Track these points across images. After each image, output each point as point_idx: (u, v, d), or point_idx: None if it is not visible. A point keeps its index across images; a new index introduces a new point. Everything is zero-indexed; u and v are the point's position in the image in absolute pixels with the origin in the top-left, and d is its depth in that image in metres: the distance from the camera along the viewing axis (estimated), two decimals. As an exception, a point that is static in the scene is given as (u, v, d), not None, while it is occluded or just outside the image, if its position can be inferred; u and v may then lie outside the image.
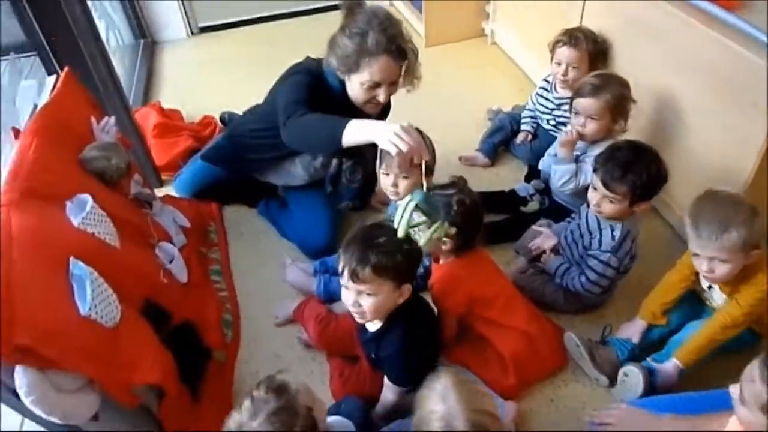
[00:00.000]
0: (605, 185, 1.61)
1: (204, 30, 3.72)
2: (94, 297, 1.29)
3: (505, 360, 1.59)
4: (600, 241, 1.68)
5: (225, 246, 2.19)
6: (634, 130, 2.01)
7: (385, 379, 1.51)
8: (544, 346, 1.64)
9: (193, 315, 1.73)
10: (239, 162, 2.16)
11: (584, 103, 1.91)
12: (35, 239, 1.30)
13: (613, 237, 1.66)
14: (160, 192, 2.26)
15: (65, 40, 1.96)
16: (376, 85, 1.75)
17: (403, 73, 1.79)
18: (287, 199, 2.23)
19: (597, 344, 1.68)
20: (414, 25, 3.48)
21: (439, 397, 1.05)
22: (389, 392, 1.52)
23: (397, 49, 1.71)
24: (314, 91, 1.78)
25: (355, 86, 1.77)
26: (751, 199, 1.66)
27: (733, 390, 1.08)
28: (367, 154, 1.88)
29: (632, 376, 1.54)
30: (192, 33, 3.69)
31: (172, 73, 3.33)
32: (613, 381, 1.63)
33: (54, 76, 1.87)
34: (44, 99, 1.77)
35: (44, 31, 1.93)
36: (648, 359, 1.60)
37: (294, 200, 2.18)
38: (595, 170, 1.65)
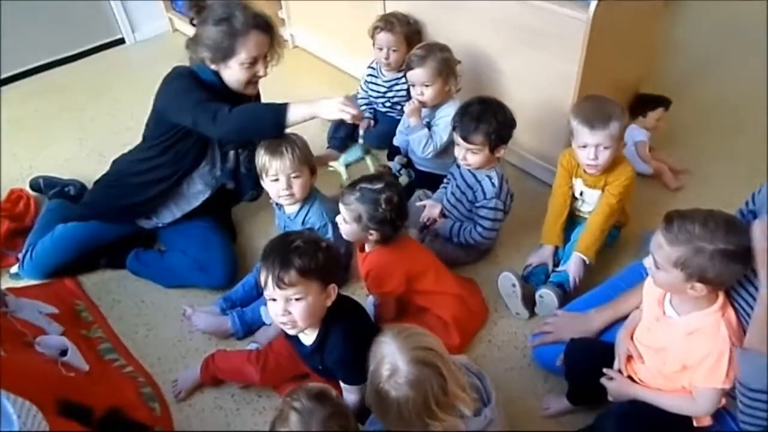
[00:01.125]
0: (464, 139, 1.80)
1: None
2: (19, 414, 1.07)
3: (447, 323, 1.69)
4: (483, 192, 1.87)
5: (103, 320, 1.93)
6: (467, 89, 2.24)
7: (341, 383, 1.50)
8: (473, 302, 1.79)
9: (112, 401, 1.52)
10: (122, 211, 1.96)
11: (415, 73, 2.08)
12: None
13: (492, 184, 1.86)
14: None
15: None
16: (254, 62, 1.78)
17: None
18: (167, 242, 2.06)
19: (522, 281, 1.84)
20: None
21: (385, 346, 1.14)
22: (350, 394, 1.50)
23: (263, 23, 1.78)
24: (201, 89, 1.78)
25: (235, 70, 1.78)
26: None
27: (646, 262, 1.30)
28: (258, 141, 1.86)
29: (546, 296, 1.77)
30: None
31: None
32: (531, 312, 1.84)
33: None
34: None
35: None
36: (549, 282, 1.83)
37: (178, 239, 2.02)
38: (453, 128, 1.83)
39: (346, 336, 1.44)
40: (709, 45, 3.09)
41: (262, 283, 1.35)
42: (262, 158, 1.75)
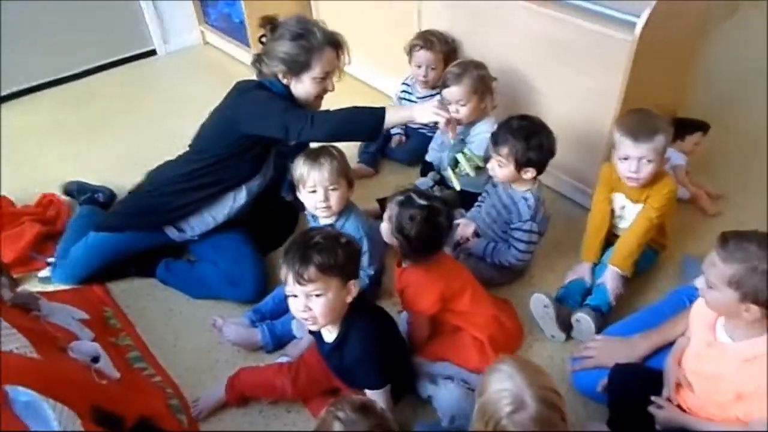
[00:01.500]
0: (493, 146, 1.79)
1: (3, 99, 3.18)
2: (59, 420, 1.05)
3: (483, 344, 1.64)
4: (519, 213, 1.84)
5: (132, 328, 1.90)
6: (503, 107, 2.23)
7: (368, 393, 1.46)
8: (510, 323, 1.74)
9: (141, 410, 1.48)
10: (157, 216, 1.95)
11: (450, 91, 2.07)
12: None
13: (528, 206, 1.82)
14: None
15: None
16: (325, 77, 1.85)
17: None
18: (198, 253, 2.04)
19: (557, 303, 1.80)
20: (241, 58, 3.41)
21: (507, 377, 1.06)
22: (377, 401, 1.44)
23: (336, 40, 1.86)
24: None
25: (307, 84, 1.84)
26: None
27: (698, 282, 1.27)
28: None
29: (582, 320, 1.72)
30: (-18, 107, 3.13)
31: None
32: (568, 335, 1.79)
33: None
34: None
35: None
36: (584, 306, 1.78)
37: (209, 250, 2.00)
38: (494, 143, 1.80)
39: (368, 335, 1.43)
40: (747, 71, 3.07)
41: (283, 279, 1.36)
42: (300, 169, 1.73)
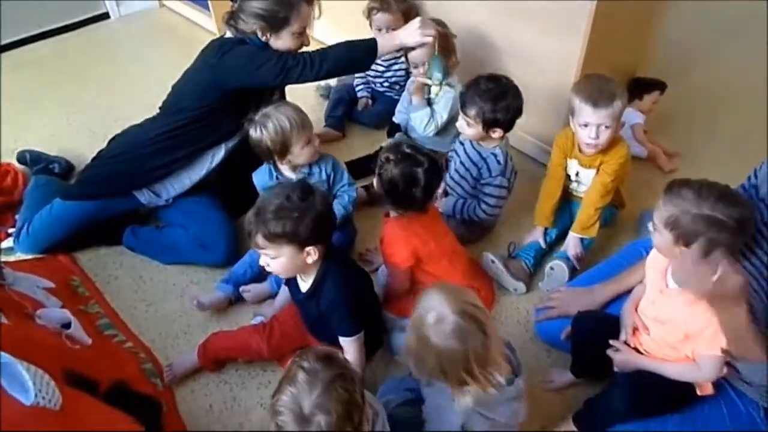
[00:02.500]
0: (461, 106, 1.82)
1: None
2: (34, 381, 1.05)
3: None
4: (489, 169, 1.88)
5: (100, 296, 1.89)
6: (467, 67, 2.24)
7: (340, 340, 1.50)
8: (483, 294, 1.78)
9: (115, 375, 1.49)
10: (130, 180, 1.93)
11: (415, 54, 2.07)
12: None
13: (498, 161, 1.87)
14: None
15: None
16: (303, 31, 1.85)
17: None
18: (166, 218, 2.02)
19: (508, 258, 1.89)
20: (200, 22, 3.31)
21: (432, 295, 1.17)
22: (351, 351, 1.50)
23: None
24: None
25: (286, 40, 1.84)
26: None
27: (649, 226, 1.32)
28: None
29: (557, 268, 1.80)
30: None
31: None
32: (528, 286, 1.87)
33: None
34: None
35: None
36: (555, 256, 1.87)
37: (178, 215, 1.98)
38: (464, 106, 1.82)
39: (342, 282, 1.47)
40: (704, 35, 3.14)
41: None
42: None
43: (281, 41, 1.84)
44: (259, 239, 1.37)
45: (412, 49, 2.06)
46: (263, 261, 1.43)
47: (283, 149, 1.75)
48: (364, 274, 1.64)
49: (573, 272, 1.80)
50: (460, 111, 1.85)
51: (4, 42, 3.17)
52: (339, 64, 1.81)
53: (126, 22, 3.51)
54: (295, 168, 1.83)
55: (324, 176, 1.86)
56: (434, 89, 1.93)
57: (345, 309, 1.45)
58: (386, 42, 1.83)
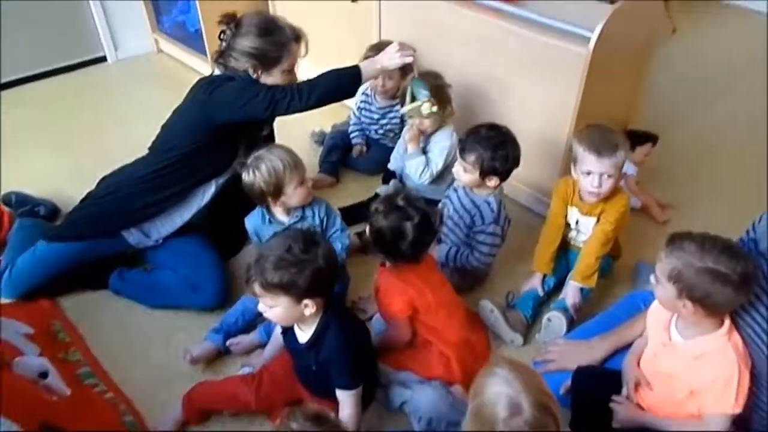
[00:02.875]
0: (460, 152, 1.82)
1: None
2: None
3: (450, 360, 1.63)
4: (482, 217, 1.87)
5: (82, 343, 1.81)
6: (461, 117, 2.26)
7: (338, 394, 1.45)
8: (479, 346, 1.75)
9: (95, 427, 1.41)
10: (119, 219, 1.90)
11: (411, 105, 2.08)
12: None
13: (491, 209, 1.86)
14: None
15: None
16: (292, 68, 1.92)
17: None
18: (155, 260, 1.98)
19: (507, 308, 1.86)
20: (196, 67, 3.35)
21: (504, 381, 1.04)
22: (348, 405, 1.44)
23: (300, 35, 1.92)
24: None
25: (276, 77, 1.88)
26: (570, 155, 2.04)
27: (652, 278, 1.30)
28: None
29: (555, 319, 1.77)
30: None
31: None
32: (525, 339, 1.83)
33: None
34: None
35: None
36: (552, 308, 1.83)
37: (168, 256, 1.95)
38: (463, 152, 1.82)
39: (344, 334, 1.43)
40: (694, 87, 3.24)
41: None
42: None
43: (272, 78, 1.88)
44: (257, 287, 1.36)
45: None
46: (261, 307, 1.42)
47: (276, 191, 1.73)
48: (363, 326, 1.60)
49: (571, 324, 1.77)
50: (457, 157, 1.85)
51: (3, 80, 3.18)
52: (327, 92, 1.84)
53: (123, 66, 3.54)
54: (288, 211, 1.80)
55: (317, 220, 1.83)
56: (426, 106, 1.90)
57: (345, 362, 1.41)
58: (369, 67, 1.86)
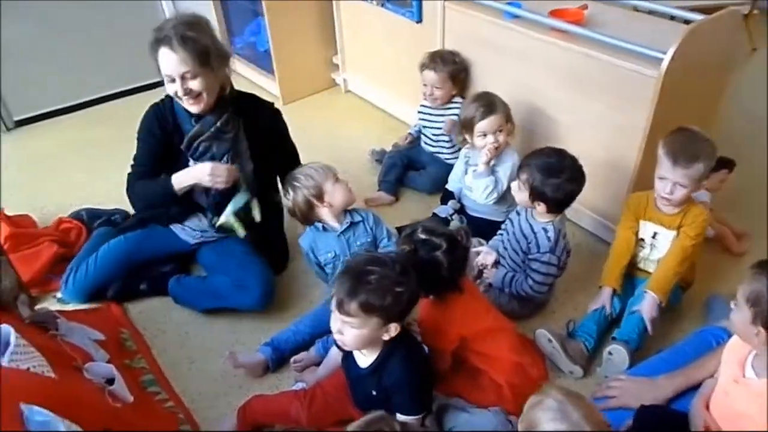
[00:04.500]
0: (518, 169, 1.78)
1: (21, 123, 3.26)
2: (71, 445, 1.03)
3: (502, 388, 1.60)
4: (537, 244, 1.81)
5: (147, 351, 1.90)
6: (518, 139, 2.23)
7: (399, 417, 1.42)
8: (533, 370, 1.69)
9: (154, 436, 1.47)
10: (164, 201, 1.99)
11: (491, 121, 2.08)
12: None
13: (548, 238, 1.80)
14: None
15: None
16: (171, 78, 1.75)
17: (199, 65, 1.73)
18: (207, 264, 2.10)
19: (566, 338, 1.79)
20: (265, 86, 3.46)
21: (562, 416, 1.00)
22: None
23: (166, 38, 1.69)
24: (155, 122, 1.91)
25: (166, 84, 1.78)
26: (641, 181, 1.96)
27: (732, 302, 1.23)
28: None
29: (617, 353, 1.68)
30: (7, 128, 3.21)
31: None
32: (586, 370, 1.75)
33: None
34: None
35: None
36: (612, 339, 1.75)
37: (218, 258, 2.04)
38: (523, 172, 1.78)
39: (408, 360, 1.41)
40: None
41: (332, 295, 1.36)
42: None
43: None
44: (352, 307, 1.30)
45: (483, 119, 2.08)
46: (335, 327, 1.36)
47: (318, 192, 1.77)
48: (424, 351, 1.56)
49: (633, 357, 1.68)
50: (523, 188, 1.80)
51: (79, 101, 3.40)
52: (145, 203, 1.96)
53: (196, 85, 3.70)
54: (337, 216, 1.82)
55: (370, 224, 1.86)
56: (237, 226, 1.94)
57: (412, 389, 1.40)
58: (180, 178, 1.85)
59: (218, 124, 1.85)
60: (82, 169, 2.85)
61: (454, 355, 1.61)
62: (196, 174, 1.84)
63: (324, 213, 1.82)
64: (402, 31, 2.77)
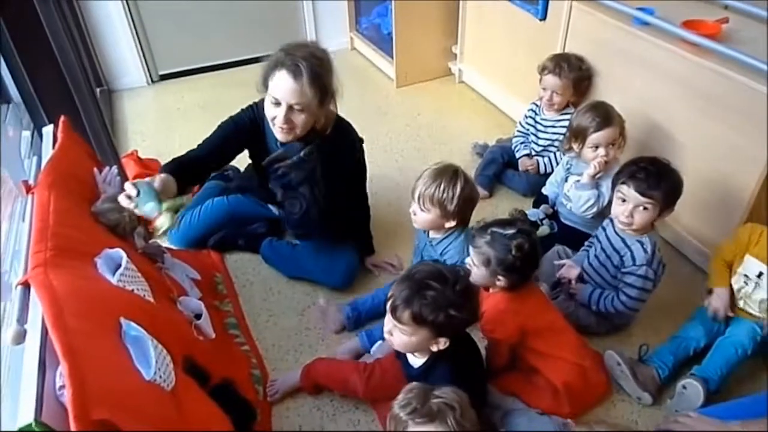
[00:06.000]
0: (642, 193, 1.66)
1: (164, 77, 3.61)
2: (157, 359, 1.18)
3: (558, 390, 1.59)
4: (633, 257, 1.74)
5: (235, 297, 2.07)
6: (631, 152, 2.12)
7: None
8: (592, 375, 1.66)
9: (226, 372, 1.61)
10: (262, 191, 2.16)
11: (604, 134, 2.01)
12: (83, 301, 1.18)
13: (645, 250, 1.72)
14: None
15: (57, 87, 1.84)
16: (276, 102, 1.74)
17: (310, 100, 1.72)
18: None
19: (637, 362, 1.72)
20: (382, 67, 3.55)
21: None
22: None
23: (293, 65, 1.67)
24: (248, 121, 1.92)
25: (267, 103, 1.78)
26: (756, 214, 1.82)
27: None
28: (303, 189, 1.94)
29: (691, 388, 1.59)
30: (152, 80, 3.56)
31: (136, 122, 3.19)
32: (655, 399, 1.68)
33: (51, 127, 1.73)
34: (47, 150, 1.64)
35: (35, 80, 1.79)
36: (690, 375, 1.65)
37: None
38: (623, 183, 1.70)
39: (454, 372, 1.42)
40: None
41: (389, 296, 1.39)
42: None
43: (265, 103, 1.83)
44: (405, 315, 1.33)
45: (598, 130, 2.02)
46: (387, 328, 1.41)
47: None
48: (476, 350, 1.57)
49: (708, 398, 1.58)
50: (632, 197, 1.69)
51: (220, 62, 3.70)
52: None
53: (319, 59, 3.88)
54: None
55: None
56: (160, 220, 1.57)
57: None
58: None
59: (302, 154, 1.86)
60: (208, 126, 3.09)
61: (512, 352, 1.61)
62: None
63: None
64: (524, 28, 2.73)
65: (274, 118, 1.76)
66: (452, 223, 1.77)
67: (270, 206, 2.23)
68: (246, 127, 1.92)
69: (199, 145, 1.93)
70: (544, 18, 2.58)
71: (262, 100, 1.84)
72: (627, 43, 2.19)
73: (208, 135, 1.96)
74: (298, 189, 1.94)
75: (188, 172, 1.79)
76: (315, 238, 2.10)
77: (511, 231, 1.51)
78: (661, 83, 2.08)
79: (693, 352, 1.74)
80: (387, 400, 1.64)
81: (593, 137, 2.03)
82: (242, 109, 1.95)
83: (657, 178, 1.65)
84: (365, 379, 1.64)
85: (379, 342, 1.81)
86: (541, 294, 1.68)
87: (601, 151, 2.03)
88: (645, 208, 1.68)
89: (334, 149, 1.91)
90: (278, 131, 1.79)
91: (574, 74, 2.35)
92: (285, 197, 2.01)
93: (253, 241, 2.24)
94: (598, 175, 2.04)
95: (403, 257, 2.18)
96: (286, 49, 1.72)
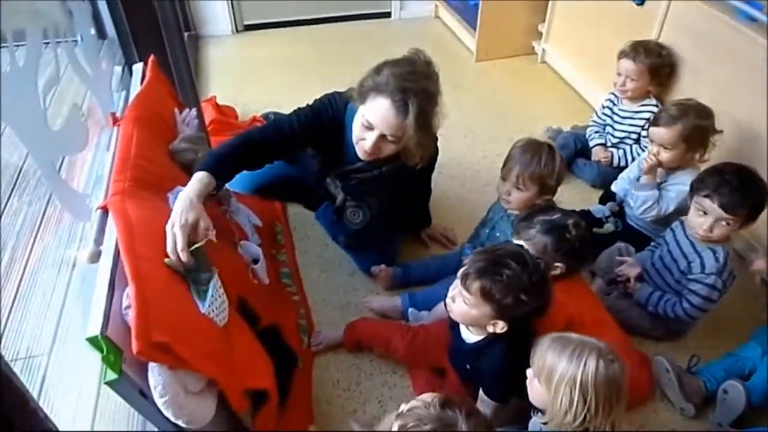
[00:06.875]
0: (725, 209, 1.57)
1: (248, 28, 3.69)
2: (212, 294, 1.25)
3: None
4: (702, 265, 1.66)
5: (292, 248, 2.14)
6: (715, 159, 2.01)
7: (480, 392, 1.48)
8: (636, 374, 1.61)
9: (276, 318, 1.69)
10: None
11: (657, 132, 1.91)
12: (153, 231, 1.26)
13: (716, 259, 1.64)
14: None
15: (150, 28, 1.92)
16: (369, 126, 1.63)
17: (409, 137, 1.61)
18: None
19: (685, 372, 1.67)
20: (464, 39, 3.49)
21: None
22: (483, 406, 1.47)
23: (401, 102, 1.56)
24: (322, 116, 1.78)
25: (358, 118, 1.67)
26: None
27: None
28: (371, 201, 1.91)
29: (733, 390, 1.54)
30: (237, 30, 3.66)
31: (217, 69, 3.30)
32: (699, 412, 1.62)
33: (140, 64, 1.82)
34: (135, 86, 1.73)
35: (131, 19, 1.88)
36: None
37: None
38: (706, 196, 1.61)
39: (509, 352, 1.41)
40: None
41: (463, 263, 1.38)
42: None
43: (356, 116, 1.72)
44: (474, 286, 1.31)
45: (656, 124, 1.92)
46: (451, 293, 1.39)
47: None
48: (529, 341, 1.56)
49: (751, 410, 1.51)
50: (713, 211, 1.60)
51: (303, 17, 3.74)
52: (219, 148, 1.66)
53: (403, 24, 3.87)
54: None
55: None
56: None
57: (501, 380, 1.42)
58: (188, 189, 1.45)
59: (384, 170, 1.79)
60: (284, 78, 3.18)
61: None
62: (175, 211, 1.33)
63: None
64: (618, 12, 2.60)
65: (362, 140, 1.66)
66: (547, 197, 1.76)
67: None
68: (325, 129, 1.78)
69: (269, 130, 1.77)
70: (642, 3, 2.44)
71: (342, 97, 1.76)
72: (726, 37, 2.04)
73: (280, 115, 1.87)
74: (365, 199, 1.90)
75: (256, 156, 1.71)
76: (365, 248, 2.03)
77: (557, 215, 1.49)
78: (758, 83, 1.94)
79: (748, 373, 1.66)
80: (424, 366, 1.70)
81: (650, 131, 1.93)
82: (322, 103, 1.81)
83: (742, 194, 1.56)
84: (408, 340, 1.67)
85: (434, 309, 1.83)
86: (588, 288, 1.64)
87: (653, 148, 1.92)
88: (727, 224, 1.60)
89: (415, 172, 1.83)
90: (362, 152, 1.70)
91: (651, 60, 2.23)
92: (347, 205, 1.94)
93: (313, 203, 2.27)
94: (661, 178, 1.94)
95: (459, 233, 2.18)
96: (398, 74, 1.58)
